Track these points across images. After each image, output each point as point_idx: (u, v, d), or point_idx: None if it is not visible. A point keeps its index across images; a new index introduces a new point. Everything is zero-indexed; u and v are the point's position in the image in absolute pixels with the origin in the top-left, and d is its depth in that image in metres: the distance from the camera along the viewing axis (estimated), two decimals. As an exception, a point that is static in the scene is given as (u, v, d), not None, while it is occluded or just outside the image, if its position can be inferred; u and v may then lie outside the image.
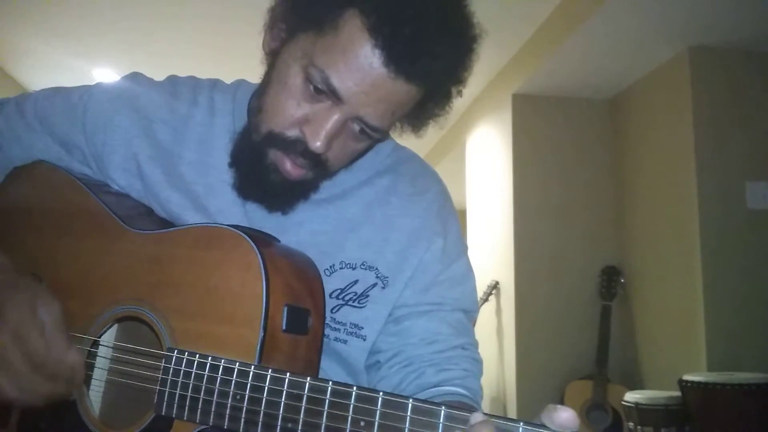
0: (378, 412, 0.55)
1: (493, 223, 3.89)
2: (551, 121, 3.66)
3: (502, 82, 3.83)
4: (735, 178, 2.88)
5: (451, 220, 0.93)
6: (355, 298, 0.85)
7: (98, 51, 3.86)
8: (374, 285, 0.86)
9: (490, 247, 3.93)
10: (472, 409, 0.51)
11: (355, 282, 0.85)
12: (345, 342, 0.85)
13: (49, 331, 0.71)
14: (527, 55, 3.49)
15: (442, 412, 0.52)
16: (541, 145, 3.63)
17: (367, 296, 0.85)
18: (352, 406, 0.56)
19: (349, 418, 0.56)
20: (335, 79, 0.72)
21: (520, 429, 0.49)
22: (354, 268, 0.85)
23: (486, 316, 3.80)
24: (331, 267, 0.85)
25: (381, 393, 0.55)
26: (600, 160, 3.62)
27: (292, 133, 0.77)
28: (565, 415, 0.49)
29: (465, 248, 0.95)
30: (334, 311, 0.84)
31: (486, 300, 3.75)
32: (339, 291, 0.84)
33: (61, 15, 3.41)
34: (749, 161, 2.90)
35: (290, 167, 0.78)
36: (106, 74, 4.13)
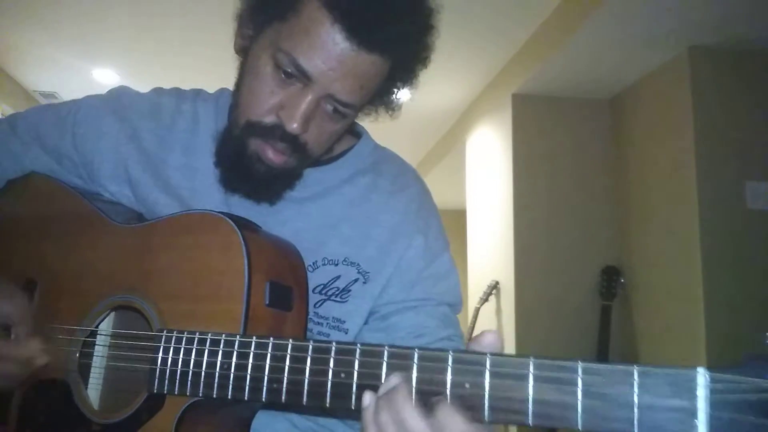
0: (357, 362, 0.58)
1: (493, 223, 3.89)
2: (551, 121, 3.66)
3: (502, 82, 3.84)
4: (735, 178, 2.87)
5: (431, 217, 0.95)
6: (337, 293, 0.87)
7: (98, 51, 3.86)
8: (356, 280, 0.88)
9: (490, 247, 3.93)
10: (445, 349, 0.54)
11: (338, 277, 0.88)
12: (328, 335, 0.88)
13: (12, 321, 0.80)
14: (527, 55, 3.50)
15: (416, 354, 0.55)
16: (541, 145, 3.63)
17: (349, 291, 0.88)
18: (332, 359, 0.59)
19: (330, 371, 0.59)
20: (302, 60, 0.75)
21: (450, 356, 0.54)
22: (336, 264, 0.88)
23: (486, 316, 3.80)
24: (314, 263, 0.87)
25: (358, 344, 0.58)
26: (600, 160, 3.62)
27: (269, 119, 0.80)
28: (490, 336, 0.55)
29: (447, 244, 0.97)
30: (317, 306, 0.87)
31: (486, 300, 3.75)
32: (322, 286, 0.87)
33: (61, 15, 3.42)
34: (749, 161, 2.90)
35: (272, 154, 0.81)
36: (106, 74, 4.14)
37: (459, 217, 4.64)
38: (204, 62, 3.75)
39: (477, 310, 3.76)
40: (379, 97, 0.86)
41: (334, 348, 0.59)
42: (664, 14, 2.69)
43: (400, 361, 0.55)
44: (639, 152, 3.38)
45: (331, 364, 0.59)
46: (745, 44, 2.92)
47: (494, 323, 3.75)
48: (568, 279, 3.49)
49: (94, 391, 0.83)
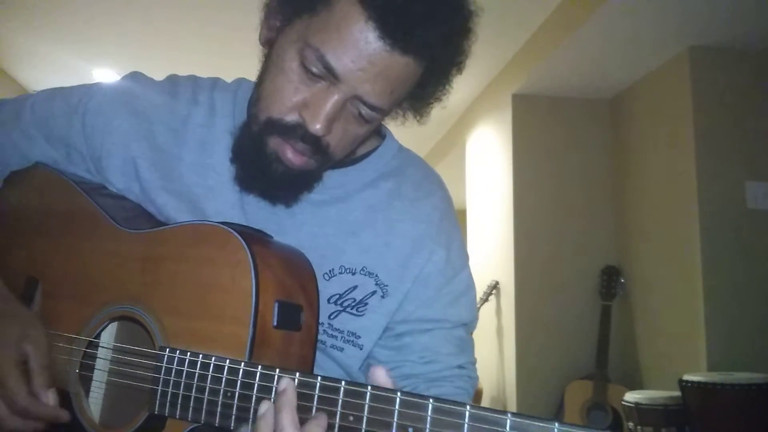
0: (366, 406, 0.55)
1: (493, 223, 3.89)
2: (551, 121, 3.66)
3: (502, 82, 3.83)
4: (735, 178, 2.87)
5: (454, 229, 0.91)
6: (353, 305, 0.84)
7: (98, 51, 3.86)
8: (373, 293, 0.84)
9: (490, 247, 3.92)
10: (462, 403, 0.51)
11: (354, 288, 0.84)
12: (341, 350, 0.84)
13: (32, 368, 0.76)
14: (527, 55, 3.49)
15: (430, 404, 0.52)
16: (541, 145, 3.63)
17: (366, 304, 0.84)
18: (340, 401, 0.56)
19: (338, 413, 0.56)
20: (331, 57, 0.71)
21: (467, 412, 0.52)
22: (354, 274, 0.84)
23: (486, 316, 3.79)
24: (330, 271, 0.83)
25: (369, 387, 0.55)
26: (600, 160, 3.62)
27: (291, 118, 0.75)
28: (378, 372, 0.57)
29: (467, 258, 0.93)
30: (332, 317, 0.83)
31: (486, 300, 3.75)
32: (337, 296, 0.83)
33: (61, 15, 3.41)
34: (749, 161, 2.89)
35: (291, 155, 0.76)
36: (106, 74, 4.13)
37: (459, 217, 4.63)
38: (205, 62, 3.75)
39: (477, 310, 3.76)
40: (409, 101, 0.81)
41: (343, 389, 0.57)
42: (664, 14, 2.69)
43: (413, 411, 0.53)
44: (639, 152, 3.38)
45: (340, 406, 0.56)
46: (745, 44, 2.92)
47: (494, 323, 3.75)
48: (568, 279, 3.49)
49: (95, 403, 0.81)
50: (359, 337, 0.84)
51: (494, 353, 3.72)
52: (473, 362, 0.90)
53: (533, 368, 3.42)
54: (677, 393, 2.51)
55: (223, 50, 3.55)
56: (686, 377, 2.43)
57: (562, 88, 3.54)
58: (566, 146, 3.63)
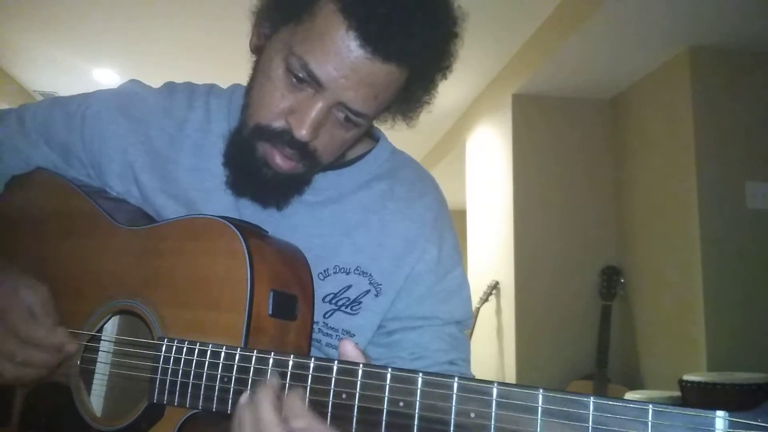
0: (358, 383, 0.57)
1: (493, 223, 3.89)
2: (551, 121, 3.66)
3: (502, 82, 3.83)
4: (735, 178, 2.87)
5: (447, 229, 0.93)
6: (347, 303, 0.85)
7: (98, 51, 3.86)
8: (367, 292, 0.86)
9: (490, 247, 3.93)
10: (451, 375, 0.53)
11: (349, 287, 0.85)
12: (336, 348, 0.84)
13: (36, 311, 0.78)
14: (527, 55, 3.49)
15: (420, 378, 0.54)
16: (541, 145, 3.63)
17: (360, 303, 0.86)
18: (333, 379, 0.58)
19: (331, 391, 0.58)
20: (314, 66, 0.73)
21: (455, 383, 0.54)
22: (348, 273, 0.86)
23: (486, 316, 3.80)
24: (325, 271, 0.85)
25: (361, 365, 0.57)
26: (600, 160, 3.62)
27: (278, 124, 0.77)
28: (345, 344, 0.60)
29: (460, 258, 0.94)
30: (327, 316, 0.85)
31: (486, 300, 3.75)
32: (332, 296, 0.85)
33: (61, 15, 3.41)
34: (749, 161, 2.90)
35: (280, 160, 0.78)
36: (106, 74, 4.13)
37: (459, 217, 4.64)
38: (204, 62, 3.76)
39: (477, 310, 3.76)
40: (396, 106, 0.83)
41: (335, 367, 0.58)
42: (665, 14, 2.69)
43: (403, 384, 0.55)
44: (639, 152, 3.38)
45: (333, 384, 0.58)
46: (745, 44, 2.92)
47: (494, 323, 3.75)
48: (568, 279, 3.49)
49: (97, 396, 0.82)
50: (353, 335, 0.86)
51: (494, 353, 3.72)
52: (466, 359, 0.90)
53: (533, 368, 3.42)
54: (677, 393, 2.51)
55: (223, 49, 3.55)
56: (686, 377, 2.43)
57: (562, 88, 3.54)
58: (566, 146, 3.63)
